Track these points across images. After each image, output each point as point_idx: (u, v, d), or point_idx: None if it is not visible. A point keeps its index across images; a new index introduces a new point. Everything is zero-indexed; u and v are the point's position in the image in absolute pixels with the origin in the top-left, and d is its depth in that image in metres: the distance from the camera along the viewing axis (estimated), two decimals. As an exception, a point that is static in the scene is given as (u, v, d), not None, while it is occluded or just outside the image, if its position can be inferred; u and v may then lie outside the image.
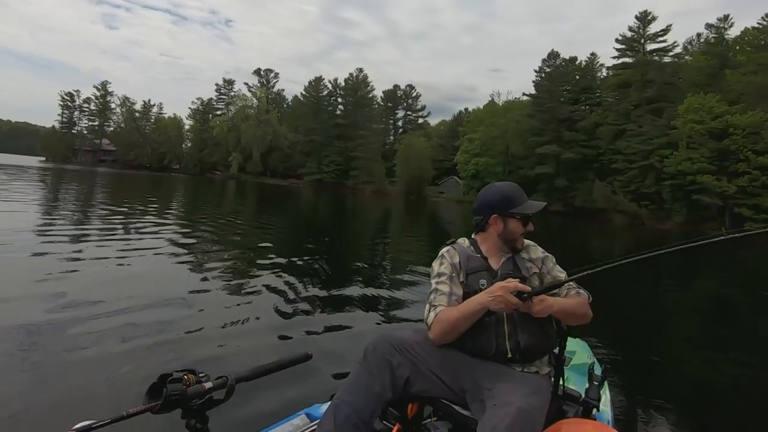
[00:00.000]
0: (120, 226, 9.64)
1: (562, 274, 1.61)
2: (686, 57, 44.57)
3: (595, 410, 1.53)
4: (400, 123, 79.85)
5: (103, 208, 13.38)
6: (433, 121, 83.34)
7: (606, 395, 1.84)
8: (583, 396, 1.57)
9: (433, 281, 1.61)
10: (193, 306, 4.24)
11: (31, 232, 7.73)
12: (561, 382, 1.56)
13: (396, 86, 79.88)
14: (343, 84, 73.41)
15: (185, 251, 7.28)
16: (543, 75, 52.06)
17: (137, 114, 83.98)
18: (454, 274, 1.59)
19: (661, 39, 43.61)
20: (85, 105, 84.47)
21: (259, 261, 7.09)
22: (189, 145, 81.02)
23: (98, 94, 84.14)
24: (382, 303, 5.18)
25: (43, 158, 79.21)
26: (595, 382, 1.60)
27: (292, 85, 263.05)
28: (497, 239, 1.63)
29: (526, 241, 1.68)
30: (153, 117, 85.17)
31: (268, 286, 5.34)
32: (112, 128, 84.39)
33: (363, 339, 1.70)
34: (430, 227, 19.06)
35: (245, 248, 8.37)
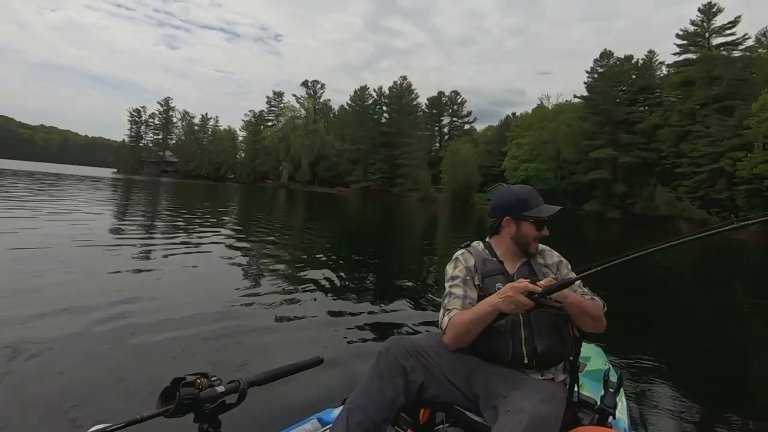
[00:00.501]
0: (177, 232, 9.98)
1: (577, 281, 1.50)
2: (759, 50, 40.70)
3: (611, 418, 1.48)
4: (445, 129, 79.13)
5: (166, 214, 14.34)
6: (480, 126, 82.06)
7: (622, 403, 1.78)
8: (598, 403, 1.52)
9: (447, 285, 1.58)
10: (212, 308, 4.23)
11: (104, 235, 8.38)
12: (576, 389, 1.51)
13: (441, 93, 79.41)
14: (387, 92, 73.88)
15: (224, 255, 7.39)
16: (595, 76, 49.62)
17: (196, 127, 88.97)
18: (468, 278, 1.57)
19: (728, 32, 40.33)
20: (151, 120, 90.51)
21: (291, 264, 7.14)
22: (242, 155, 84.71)
23: (161, 109, 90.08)
24: (403, 308, 5.01)
25: (115, 170, 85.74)
26: (610, 389, 1.54)
27: (338, 95, 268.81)
28: (510, 242, 1.61)
29: (542, 246, 1.65)
30: (210, 129, 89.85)
31: (290, 290, 5.34)
32: (173, 141, 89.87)
33: (376, 343, 1.60)
34: (477, 234, 18.04)
35: (280, 253, 8.38)
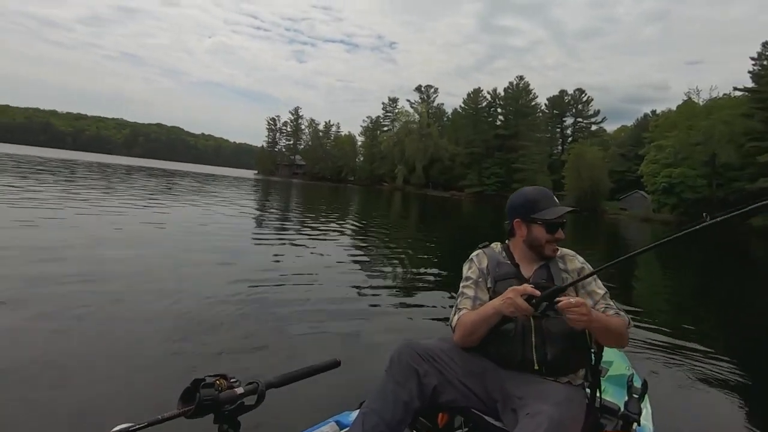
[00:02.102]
0: (303, 228, 10.36)
1: (600, 291, 1.46)
2: None
3: (635, 425, 1.43)
4: (568, 131, 72.54)
5: (297, 210, 15.79)
6: (610, 127, 73.67)
7: (647, 409, 1.69)
8: (622, 409, 1.46)
9: (461, 285, 1.56)
10: (236, 305, 4.04)
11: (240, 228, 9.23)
12: (598, 394, 1.44)
13: (562, 91, 73.12)
14: (502, 93, 70.71)
15: (283, 252, 7.29)
16: (765, 63, 40.40)
17: (320, 133, 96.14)
18: (480, 279, 1.54)
19: None
20: (283, 127, 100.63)
21: (372, 263, 7.03)
22: (361, 159, 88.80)
23: (292, 117, 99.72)
24: (435, 313, 4.54)
25: (256, 171, 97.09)
26: (634, 395, 1.49)
27: (451, 98, 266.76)
28: (523, 245, 1.55)
29: (564, 250, 1.57)
30: (332, 135, 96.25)
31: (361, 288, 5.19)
32: (302, 146, 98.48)
33: (393, 346, 1.41)
34: (606, 248, 15.47)
35: (372, 250, 8.20)
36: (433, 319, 4.30)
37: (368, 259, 7.35)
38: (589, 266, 1.54)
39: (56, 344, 2.85)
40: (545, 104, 72.37)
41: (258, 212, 14.44)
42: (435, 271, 6.72)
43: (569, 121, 72.48)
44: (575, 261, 1.55)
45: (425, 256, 8.46)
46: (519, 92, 68.93)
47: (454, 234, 14.93)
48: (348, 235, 10.42)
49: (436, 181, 69.90)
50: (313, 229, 10.57)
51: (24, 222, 6.84)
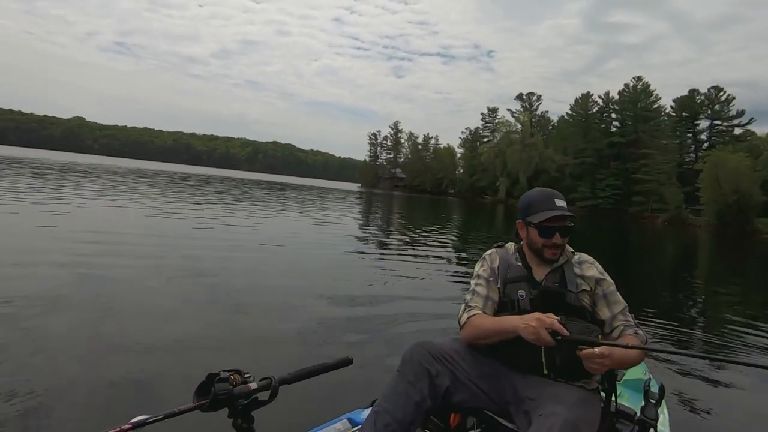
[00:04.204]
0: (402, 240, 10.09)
1: (620, 305, 1.42)
2: None
3: (652, 430, 1.39)
4: (703, 136, 62.29)
5: (399, 222, 16.18)
6: (761, 129, 61.96)
7: (664, 415, 1.66)
8: (638, 414, 1.42)
9: (472, 282, 1.54)
10: (256, 307, 4.09)
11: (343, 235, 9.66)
12: (613, 399, 1.40)
13: (693, 91, 63.23)
14: (616, 97, 64.16)
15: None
16: None
17: (419, 146, 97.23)
18: (491, 279, 1.51)
19: None
20: (384, 141, 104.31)
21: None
22: (461, 171, 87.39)
23: (392, 132, 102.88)
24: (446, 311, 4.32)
25: (360, 184, 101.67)
26: (651, 400, 1.43)
27: (556, 105, 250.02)
28: (528, 248, 1.51)
29: (583, 256, 1.52)
30: (431, 147, 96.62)
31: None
32: (402, 159, 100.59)
33: (405, 344, 1.42)
34: (762, 277, 12.29)
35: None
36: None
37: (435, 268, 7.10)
38: (609, 278, 1.46)
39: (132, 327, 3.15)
40: (671, 106, 63.48)
41: (365, 224, 14.78)
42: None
43: (704, 124, 62.23)
44: (593, 269, 1.47)
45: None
46: (637, 94, 61.68)
47: None
48: (433, 245, 9.98)
49: (542, 194, 65.38)
50: (410, 242, 10.31)
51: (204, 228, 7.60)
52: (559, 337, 1.22)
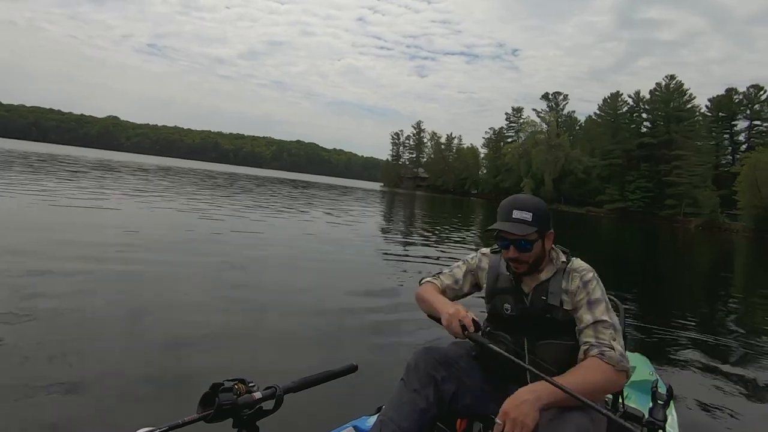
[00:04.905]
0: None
1: (592, 318, 1.28)
2: None
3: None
4: (741, 137, 59.51)
5: (424, 220, 16.01)
6: (803, 130, 58.17)
7: (672, 416, 1.63)
8: (646, 416, 1.40)
9: (455, 263, 1.59)
10: (263, 311, 3.96)
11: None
12: (620, 400, 1.42)
13: (730, 90, 60.43)
14: (647, 96, 61.91)
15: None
16: None
17: (442, 146, 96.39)
18: (471, 273, 1.54)
19: None
20: (407, 141, 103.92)
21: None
22: (484, 171, 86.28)
23: (414, 131, 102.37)
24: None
25: (382, 184, 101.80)
26: (659, 401, 1.41)
27: (584, 105, 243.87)
28: None
29: (576, 263, 1.38)
30: (454, 147, 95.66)
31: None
32: (425, 159, 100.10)
33: (409, 350, 1.47)
34: None
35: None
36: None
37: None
38: (598, 288, 1.32)
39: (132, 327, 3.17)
40: (706, 106, 60.88)
41: (387, 224, 14.47)
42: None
43: (742, 124, 59.40)
44: (575, 279, 1.34)
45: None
46: (670, 93, 59.45)
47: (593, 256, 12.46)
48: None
49: (569, 196, 63.76)
50: (434, 242, 10.11)
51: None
52: (467, 333, 1.26)
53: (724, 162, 56.78)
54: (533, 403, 1.08)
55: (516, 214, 1.33)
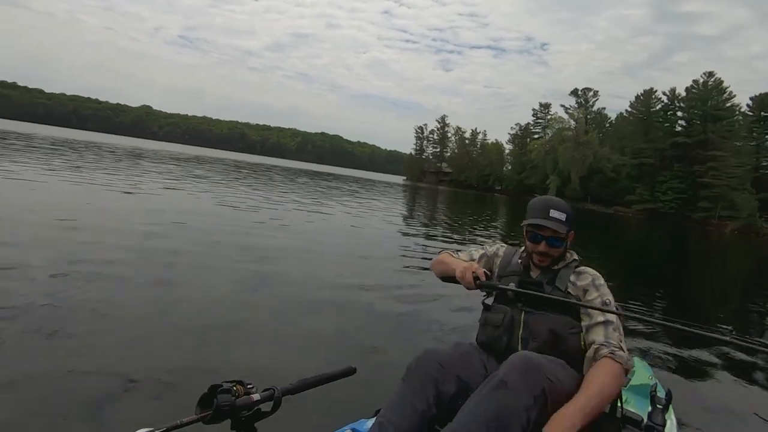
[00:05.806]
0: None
1: (601, 318, 1.37)
2: None
3: None
4: (785, 138, 56.41)
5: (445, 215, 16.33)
6: None
7: (672, 421, 1.62)
8: (645, 420, 1.40)
9: (477, 247, 1.76)
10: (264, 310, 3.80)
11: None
12: (619, 404, 1.38)
13: (777, 88, 56.96)
14: (683, 94, 59.18)
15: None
16: None
17: (467, 141, 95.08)
18: (485, 259, 1.68)
19: None
20: (430, 135, 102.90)
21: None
22: (509, 167, 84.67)
23: (438, 126, 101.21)
24: (441, 318, 4.09)
25: (405, 177, 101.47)
26: (658, 405, 1.42)
27: (614, 101, 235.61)
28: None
29: (585, 269, 1.54)
30: (479, 143, 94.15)
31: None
32: (448, 153, 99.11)
33: (409, 352, 1.45)
34: None
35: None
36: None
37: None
38: (603, 291, 1.45)
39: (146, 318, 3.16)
40: (748, 105, 57.63)
41: (409, 218, 14.26)
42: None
43: (787, 125, 56.27)
44: (587, 278, 1.50)
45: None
46: (708, 91, 56.51)
47: (616, 259, 12.12)
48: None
49: (596, 195, 61.84)
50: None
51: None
52: (479, 281, 1.42)
53: (765, 164, 53.91)
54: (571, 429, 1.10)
55: (553, 213, 1.51)
